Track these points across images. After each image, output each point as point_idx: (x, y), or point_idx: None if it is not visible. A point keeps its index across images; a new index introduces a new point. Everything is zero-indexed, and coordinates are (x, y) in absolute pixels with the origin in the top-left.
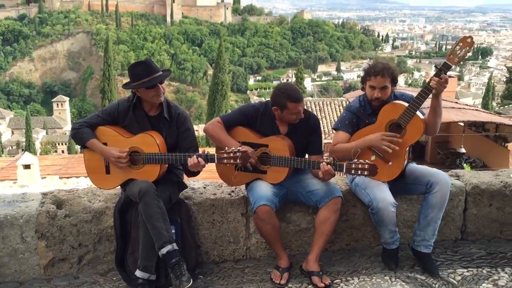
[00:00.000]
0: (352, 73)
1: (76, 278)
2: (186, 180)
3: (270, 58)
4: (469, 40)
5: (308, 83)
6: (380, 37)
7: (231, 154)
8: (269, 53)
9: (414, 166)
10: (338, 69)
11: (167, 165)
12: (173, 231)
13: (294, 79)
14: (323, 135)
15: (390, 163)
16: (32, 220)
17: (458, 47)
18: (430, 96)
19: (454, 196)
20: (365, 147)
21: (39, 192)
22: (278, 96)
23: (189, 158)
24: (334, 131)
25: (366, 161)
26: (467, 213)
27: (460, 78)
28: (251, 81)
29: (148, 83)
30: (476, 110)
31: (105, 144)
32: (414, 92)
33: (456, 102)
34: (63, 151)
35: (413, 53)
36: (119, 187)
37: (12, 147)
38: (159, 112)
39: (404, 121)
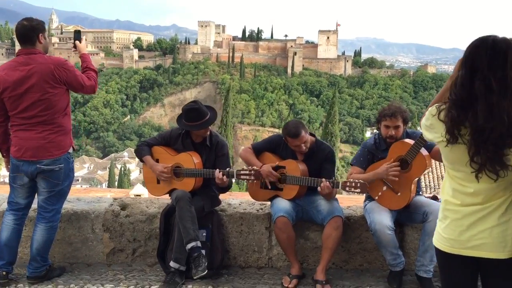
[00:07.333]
0: None
1: (129, 266)
2: (226, 196)
3: None
4: None
5: None
6: None
7: (247, 172)
8: None
9: (418, 197)
10: None
11: (202, 179)
12: (204, 234)
13: None
14: None
15: (399, 194)
16: (100, 216)
17: None
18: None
19: None
20: (375, 179)
21: (111, 197)
22: (282, 130)
23: (215, 173)
24: (351, 166)
25: (359, 180)
26: None
27: None
28: (367, 134)
29: (196, 127)
30: None
31: (158, 159)
32: None
33: None
34: None
35: None
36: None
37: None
38: (203, 140)
39: (410, 158)
